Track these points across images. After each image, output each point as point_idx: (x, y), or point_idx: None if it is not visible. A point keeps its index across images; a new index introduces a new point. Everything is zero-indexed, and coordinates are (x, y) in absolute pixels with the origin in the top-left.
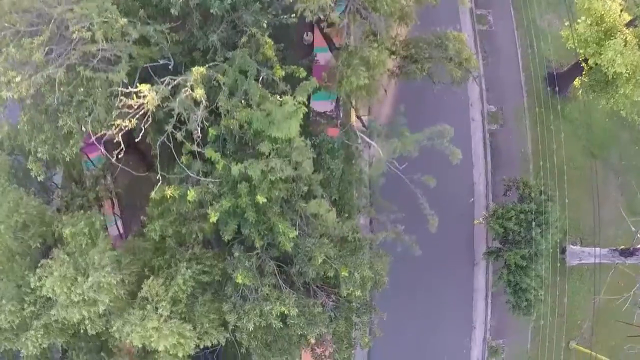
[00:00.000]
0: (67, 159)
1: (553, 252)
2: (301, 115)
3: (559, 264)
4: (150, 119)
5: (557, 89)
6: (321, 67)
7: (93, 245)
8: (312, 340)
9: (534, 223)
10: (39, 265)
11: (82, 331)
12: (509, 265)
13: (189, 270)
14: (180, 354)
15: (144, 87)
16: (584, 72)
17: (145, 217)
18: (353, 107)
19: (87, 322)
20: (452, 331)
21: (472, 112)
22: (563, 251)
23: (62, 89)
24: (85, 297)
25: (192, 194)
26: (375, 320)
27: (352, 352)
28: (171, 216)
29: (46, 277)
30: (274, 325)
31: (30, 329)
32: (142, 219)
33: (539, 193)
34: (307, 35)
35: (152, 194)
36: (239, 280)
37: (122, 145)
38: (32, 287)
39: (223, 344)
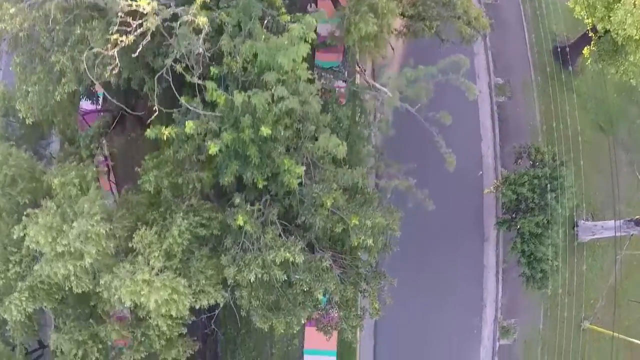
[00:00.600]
0: (58, 98)
1: (569, 218)
2: (309, 41)
3: (569, 242)
4: (149, 38)
5: (564, 62)
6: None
7: (83, 195)
8: (319, 296)
9: (549, 186)
10: (25, 214)
11: (68, 292)
12: (522, 233)
13: (185, 221)
14: (173, 312)
15: (144, 1)
16: (592, 42)
17: (139, 168)
18: (359, 68)
19: (72, 279)
20: (461, 310)
21: (479, 84)
22: (574, 227)
23: (57, 27)
24: (71, 249)
25: (190, 126)
26: (385, 286)
27: (361, 322)
28: (167, 167)
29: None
30: (277, 279)
31: (14, 292)
32: (136, 169)
33: (552, 159)
34: (310, 7)
35: (147, 132)
36: (240, 222)
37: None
38: (15, 237)
39: (221, 305)
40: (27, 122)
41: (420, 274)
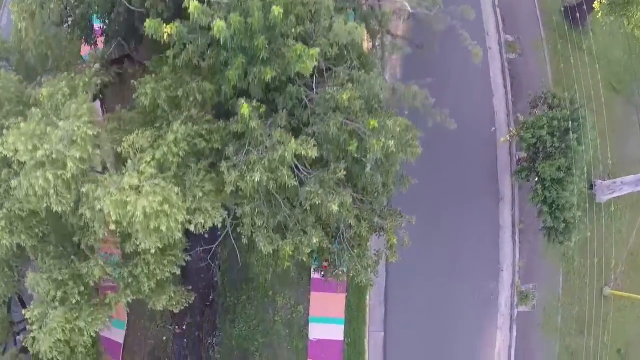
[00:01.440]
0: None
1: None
2: None
3: (587, 204)
4: None
5: (574, 22)
6: None
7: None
8: (334, 207)
9: (570, 126)
10: (6, 126)
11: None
12: (543, 180)
13: (183, 127)
14: (163, 227)
15: None
16: None
17: (136, 82)
18: None
19: (52, 193)
20: (477, 274)
21: (489, 42)
22: (591, 187)
23: None
24: (53, 155)
25: (195, 5)
26: (403, 223)
27: (376, 267)
28: (166, 81)
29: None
30: (288, 186)
31: None
32: (132, 83)
33: (570, 102)
34: None
35: (147, 23)
36: (244, 111)
37: None
38: None
39: (219, 225)
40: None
41: (433, 236)
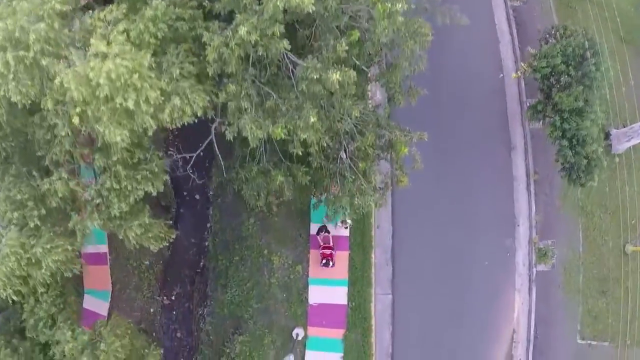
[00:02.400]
0: None
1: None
2: None
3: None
4: None
5: None
6: None
7: None
8: (336, 78)
9: (586, 47)
10: None
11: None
12: (560, 111)
13: (163, 4)
14: (130, 102)
15: None
16: None
17: None
18: None
19: (10, 78)
20: (491, 230)
21: None
22: (607, 137)
23: None
24: (16, 33)
25: None
26: (414, 139)
27: (384, 195)
28: None
29: None
30: (276, 50)
31: None
32: None
33: (582, 35)
34: None
35: None
36: None
37: None
38: None
39: (201, 115)
40: None
41: (443, 189)
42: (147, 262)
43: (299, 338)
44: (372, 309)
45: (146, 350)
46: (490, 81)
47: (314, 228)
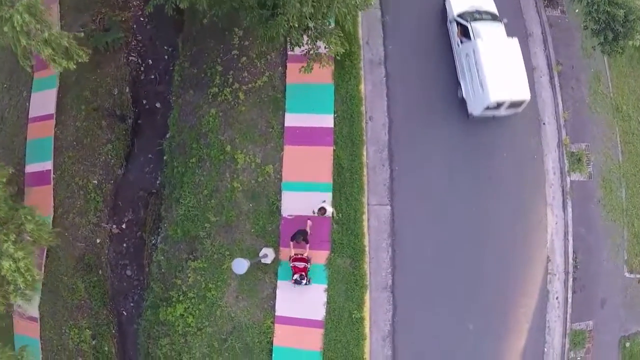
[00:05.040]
0: None
1: None
2: None
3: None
4: None
5: None
6: None
7: None
8: None
9: None
10: None
11: None
12: None
13: None
14: None
15: None
16: None
17: None
18: None
19: None
20: (512, 127)
21: None
22: None
23: None
24: None
25: None
26: None
27: None
28: None
29: None
30: None
31: None
32: None
33: None
34: None
35: None
36: None
37: None
38: None
39: None
40: None
41: (450, 78)
42: (95, 181)
43: (268, 261)
44: (364, 224)
45: None
46: None
47: (289, 119)
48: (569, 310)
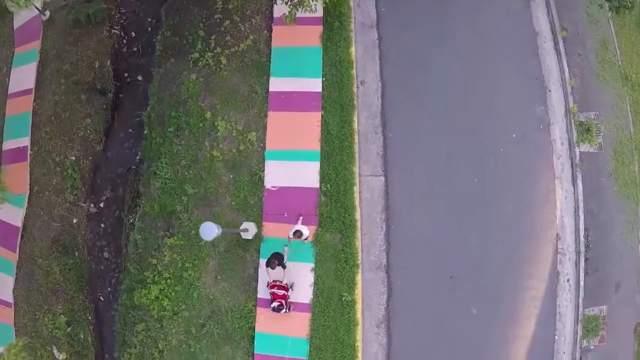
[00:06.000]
0: None
1: None
2: None
3: None
4: None
5: None
6: None
7: None
8: None
9: None
10: None
11: None
12: None
13: None
14: None
15: None
16: None
17: None
18: None
19: None
20: (515, 94)
21: None
22: None
23: None
24: None
25: None
26: None
27: None
28: None
29: None
30: None
31: None
32: None
33: None
34: None
35: None
36: None
37: None
38: None
39: None
40: None
41: (449, 40)
42: (72, 157)
43: (249, 236)
44: (355, 196)
45: None
46: None
47: (274, 84)
48: (581, 294)
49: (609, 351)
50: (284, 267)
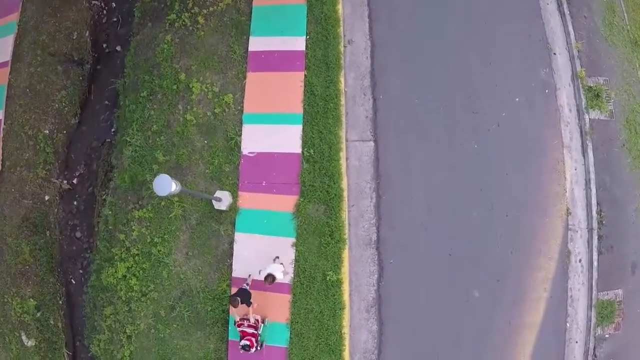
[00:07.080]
0: None
1: None
2: None
3: None
4: None
5: None
6: None
7: None
8: None
9: None
10: None
11: None
12: None
13: None
14: None
15: None
16: None
17: None
18: None
19: None
20: (517, 57)
21: None
22: None
23: None
24: None
25: None
26: None
27: None
28: None
29: None
30: None
31: None
32: None
33: None
34: None
35: None
36: None
37: None
38: None
39: None
40: None
41: (448, 13)
42: (46, 131)
43: (223, 207)
44: (341, 163)
45: None
46: None
47: (254, 43)
48: (595, 276)
49: (626, 340)
50: (248, 304)
